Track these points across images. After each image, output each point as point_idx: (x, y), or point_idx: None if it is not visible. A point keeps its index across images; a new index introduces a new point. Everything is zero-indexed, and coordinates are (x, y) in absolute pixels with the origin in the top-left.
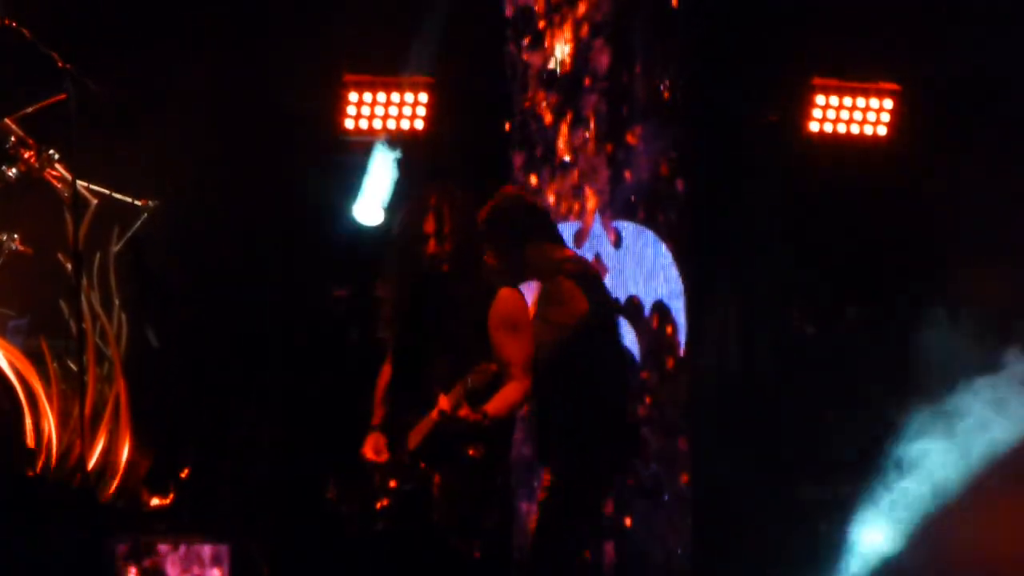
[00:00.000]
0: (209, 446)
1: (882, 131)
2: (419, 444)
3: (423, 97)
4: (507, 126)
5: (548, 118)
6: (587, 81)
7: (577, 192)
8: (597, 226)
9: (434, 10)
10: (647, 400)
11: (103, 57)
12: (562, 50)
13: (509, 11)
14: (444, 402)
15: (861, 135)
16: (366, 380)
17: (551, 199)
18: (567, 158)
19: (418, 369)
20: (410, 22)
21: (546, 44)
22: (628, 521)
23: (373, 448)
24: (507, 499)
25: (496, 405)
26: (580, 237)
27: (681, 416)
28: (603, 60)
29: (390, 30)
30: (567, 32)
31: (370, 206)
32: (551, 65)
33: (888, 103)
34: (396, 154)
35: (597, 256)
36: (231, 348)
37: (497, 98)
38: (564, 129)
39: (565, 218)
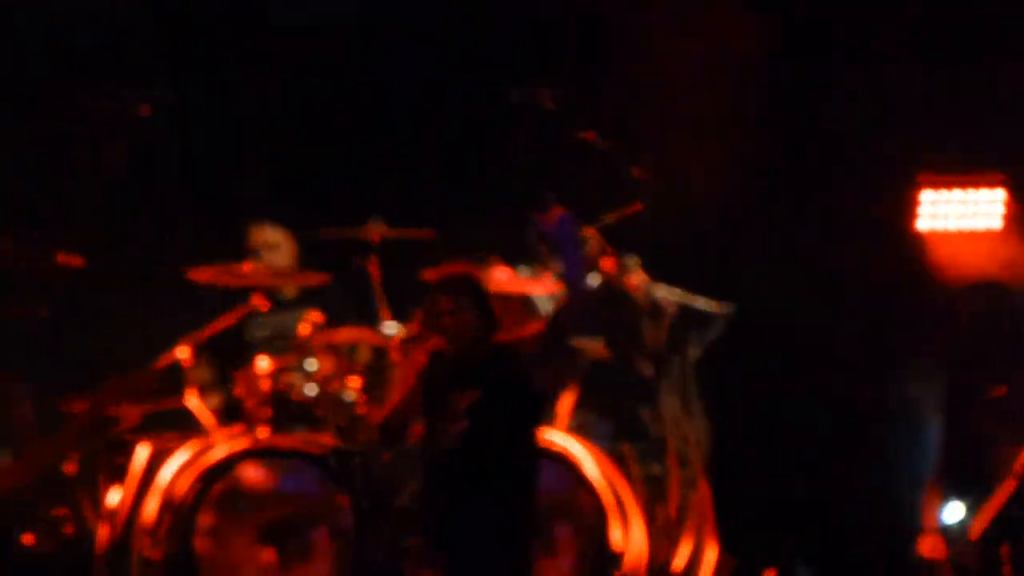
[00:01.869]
0: (791, 547)
1: None
2: (985, 528)
3: (999, 194)
4: None
5: None
6: None
7: None
8: None
9: (1007, 105)
10: None
11: (680, 167)
12: None
13: None
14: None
15: None
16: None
17: None
18: None
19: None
20: (985, 119)
21: None
22: None
23: (930, 547)
24: None
25: None
26: None
27: None
28: None
29: (964, 127)
30: None
31: None
32: None
33: None
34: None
35: None
36: (809, 450)
37: None
38: None
39: None
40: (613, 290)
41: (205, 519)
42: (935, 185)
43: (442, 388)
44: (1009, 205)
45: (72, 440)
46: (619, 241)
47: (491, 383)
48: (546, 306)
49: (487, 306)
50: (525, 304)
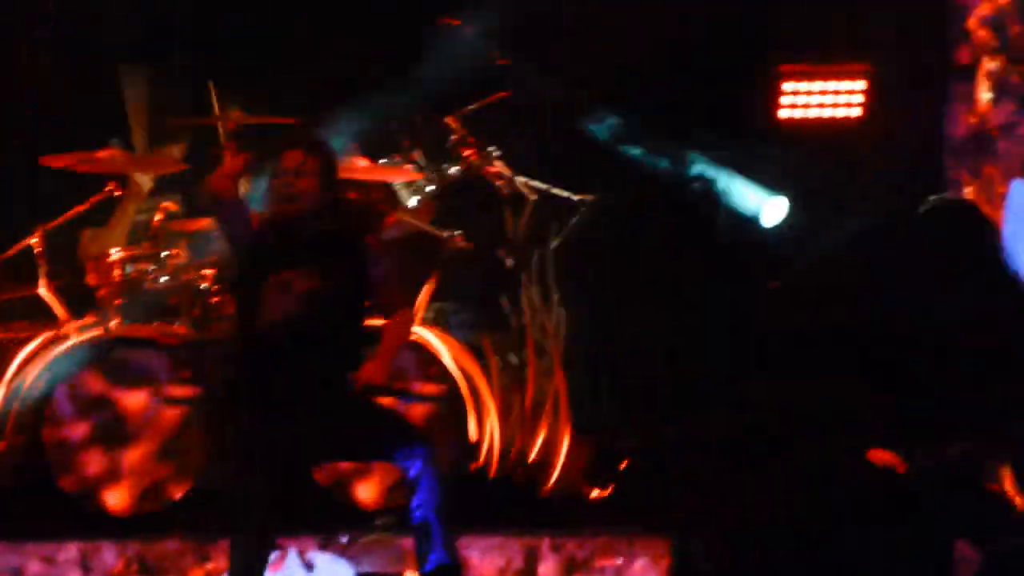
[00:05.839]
0: (648, 437)
1: None
2: None
3: (859, 84)
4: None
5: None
6: None
7: None
8: None
9: None
10: None
11: (541, 55)
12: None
13: None
14: None
15: None
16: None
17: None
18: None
19: None
20: (846, 5)
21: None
22: None
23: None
24: None
25: None
26: None
27: None
28: None
29: (825, 15)
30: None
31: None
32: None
33: None
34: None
35: None
36: (673, 342)
37: (937, 86)
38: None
39: None
40: (473, 180)
41: (54, 410)
42: (796, 77)
43: (276, 262)
44: (869, 95)
45: None
46: (480, 130)
47: (328, 264)
48: (406, 194)
49: (332, 179)
50: (386, 192)
